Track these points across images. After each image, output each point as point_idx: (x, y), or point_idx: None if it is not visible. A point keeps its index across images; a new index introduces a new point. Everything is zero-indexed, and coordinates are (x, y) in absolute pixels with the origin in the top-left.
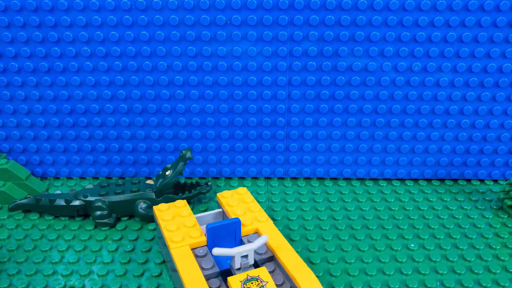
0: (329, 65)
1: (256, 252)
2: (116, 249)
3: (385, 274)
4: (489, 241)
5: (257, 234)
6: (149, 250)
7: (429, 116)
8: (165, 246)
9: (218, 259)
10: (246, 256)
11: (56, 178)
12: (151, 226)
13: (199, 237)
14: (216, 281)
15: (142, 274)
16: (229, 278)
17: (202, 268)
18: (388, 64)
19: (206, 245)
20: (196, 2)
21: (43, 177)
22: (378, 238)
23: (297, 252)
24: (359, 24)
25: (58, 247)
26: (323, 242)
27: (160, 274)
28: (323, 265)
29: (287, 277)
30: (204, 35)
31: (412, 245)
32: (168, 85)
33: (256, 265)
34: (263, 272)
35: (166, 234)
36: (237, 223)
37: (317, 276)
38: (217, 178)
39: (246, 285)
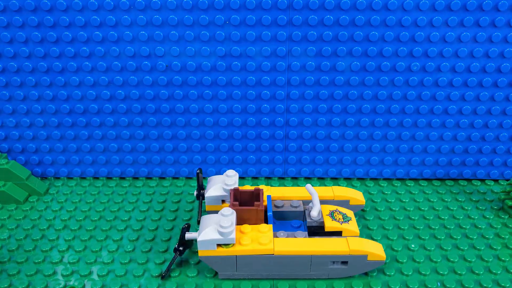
0: (328, 65)
1: (292, 205)
2: (116, 249)
3: (386, 274)
4: (490, 242)
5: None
6: (149, 250)
7: (428, 116)
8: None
9: (288, 228)
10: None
11: (57, 178)
12: (151, 226)
13: (268, 229)
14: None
15: (142, 274)
16: (327, 226)
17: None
18: (387, 64)
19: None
20: (195, 2)
21: (42, 177)
22: (379, 238)
23: None
24: (358, 24)
25: (58, 247)
26: None
27: (160, 275)
28: None
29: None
30: (203, 35)
31: (413, 246)
32: (167, 85)
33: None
34: (326, 207)
35: (247, 248)
36: (269, 197)
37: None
38: None
39: (337, 219)
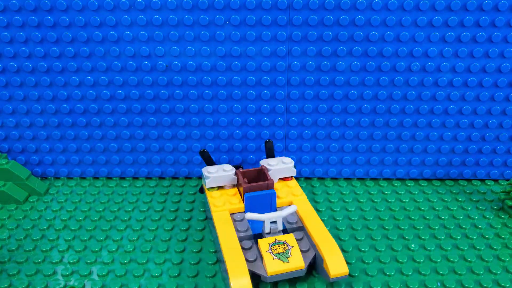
0: (328, 65)
1: (287, 221)
2: (116, 249)
3: (386, 274)
4: (490, 242)
5: (291, 206)
6: (150, 250)
7: (428, 116)
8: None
9: (253, 224)
10: (275, 222)
11: (57, 178)
12: (151, 227)
13: (238, 204)
14: (249, 243)
15: (142, 274)
16: (259, 240)
17: (238, 231)
18: (387, 64)
19: (244, 211)
20: (195, 2)
21: (43, 177)
22: (379, 238)
23: None
24: (358, 24)
25: (58, 247)
26: None
27: (160, 274)
28: None
29: (313, 246)
30: (203, 35)
31: (413, 246)
32: (167, 85)
33: (285, 232)
34: (290, 238)
35: (209, 200)
36: (272, 194)
37: (317, 277)
38: None
39: (274, 247)
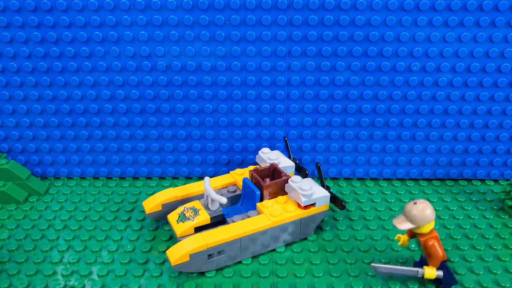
0: (328, 65)
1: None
2: (116, 249)
3: None
4: (490, 242)
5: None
6: (149, 250)
7: (428, 116)
8: None
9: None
10: (206, 197)
11: (56, 178)
12: (151, 227)
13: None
14: (196, 205)
15: (142, 274)
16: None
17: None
18: (387, 64)
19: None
20: (195, 2)
21: (42, 177)
22: (379, 238)
23: (297, 252)
24: (358, 24)
25: (58, 247)
26: (324, 242)
27: (160, 275)
28: (323, 266)
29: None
30: (203, 35)
31: (413, 246)
32: (167, 85)
33: (223, 220)
34: (203, 217)
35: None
36: (254, 193)
37: (317, 277)
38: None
39: (184, 211)
